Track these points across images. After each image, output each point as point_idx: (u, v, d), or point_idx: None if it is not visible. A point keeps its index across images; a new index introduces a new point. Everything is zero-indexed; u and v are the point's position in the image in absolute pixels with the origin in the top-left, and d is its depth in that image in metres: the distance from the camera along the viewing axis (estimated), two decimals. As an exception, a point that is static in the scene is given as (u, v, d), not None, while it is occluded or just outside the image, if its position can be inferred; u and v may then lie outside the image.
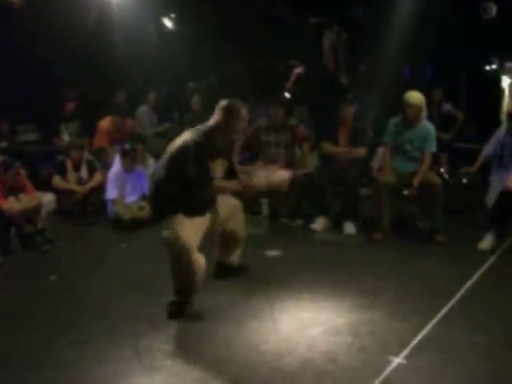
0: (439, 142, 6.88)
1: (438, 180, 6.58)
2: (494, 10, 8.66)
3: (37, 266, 6.02)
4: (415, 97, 6.51)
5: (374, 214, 6.64)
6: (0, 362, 3.97)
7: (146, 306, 4.71)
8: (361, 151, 6.99)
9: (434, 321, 4.38)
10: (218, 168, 4.63)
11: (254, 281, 5.25)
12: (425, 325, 4.31)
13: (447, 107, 8.75)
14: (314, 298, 4.87)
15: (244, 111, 4.50)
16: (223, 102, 4.51)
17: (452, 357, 3.89)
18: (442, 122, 8.34)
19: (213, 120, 4.53)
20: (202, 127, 4.54)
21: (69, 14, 8.94)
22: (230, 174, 4.78)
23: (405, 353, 3.92)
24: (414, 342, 4.05)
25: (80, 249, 6.57)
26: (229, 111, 4.45)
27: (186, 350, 4.08)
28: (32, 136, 9.38)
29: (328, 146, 7.09)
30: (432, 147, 6.59)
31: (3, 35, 8.42)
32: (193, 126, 4.64)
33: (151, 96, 9.81)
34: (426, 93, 6.93)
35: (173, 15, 10.59)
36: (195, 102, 9.37)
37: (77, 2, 8.94)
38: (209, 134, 4.47)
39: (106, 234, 7.03)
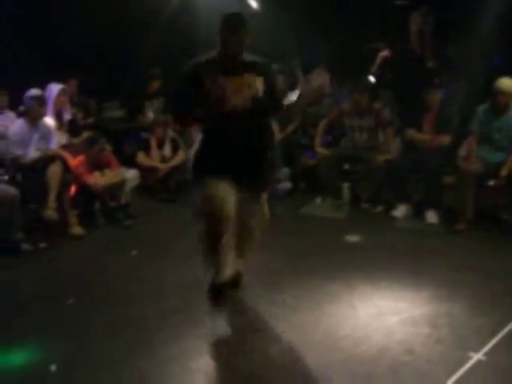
0: (530, 131, 6.62)
1: (527, 171, 6.36)
2: None
3: (118, 240, 6.19)
4: (507, 84, 6.29)
5: (458, 204, 6.48)
6: (76, 335, 4.12)
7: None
8: (445, 139, 6.81)
9: (516, 320, 4.24)
10: (238, 87, 4.09)
11: (332, 266, 5.23)
12: (505, 323, 4.17)
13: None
14: (392, 287, 4.82)
15: (238, 23, 4.03)
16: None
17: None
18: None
19: None
20: None
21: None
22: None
23: (485, 349, 3.81)
24: (494, 340, 3.94)
25: (161, 225, 6.70)
26: (221, 24, 4.04)
27: (262, 333, 4.11)
28: (117, 113, 9.59)
29: (412, 133, 6.95)
30: (523, 136, 6.36)
31: (90, 16, 8.58)
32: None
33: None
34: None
35: (257, -4, 10.56)
36: (278, 82, 9.32)
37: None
38: (216, 54, 4.14)
39: (187, 211, 7.10)
